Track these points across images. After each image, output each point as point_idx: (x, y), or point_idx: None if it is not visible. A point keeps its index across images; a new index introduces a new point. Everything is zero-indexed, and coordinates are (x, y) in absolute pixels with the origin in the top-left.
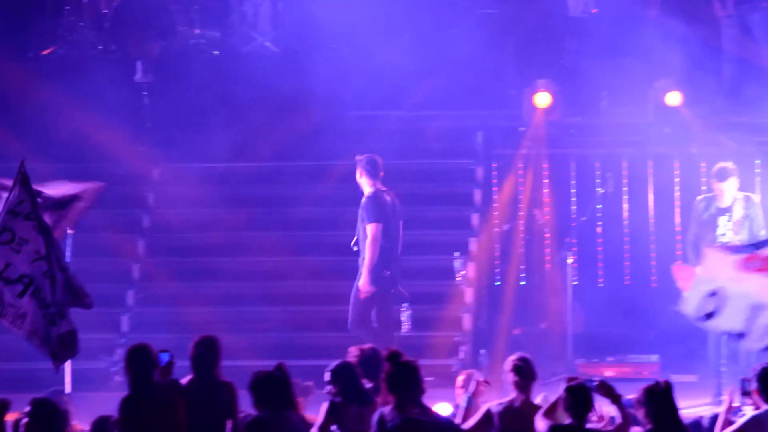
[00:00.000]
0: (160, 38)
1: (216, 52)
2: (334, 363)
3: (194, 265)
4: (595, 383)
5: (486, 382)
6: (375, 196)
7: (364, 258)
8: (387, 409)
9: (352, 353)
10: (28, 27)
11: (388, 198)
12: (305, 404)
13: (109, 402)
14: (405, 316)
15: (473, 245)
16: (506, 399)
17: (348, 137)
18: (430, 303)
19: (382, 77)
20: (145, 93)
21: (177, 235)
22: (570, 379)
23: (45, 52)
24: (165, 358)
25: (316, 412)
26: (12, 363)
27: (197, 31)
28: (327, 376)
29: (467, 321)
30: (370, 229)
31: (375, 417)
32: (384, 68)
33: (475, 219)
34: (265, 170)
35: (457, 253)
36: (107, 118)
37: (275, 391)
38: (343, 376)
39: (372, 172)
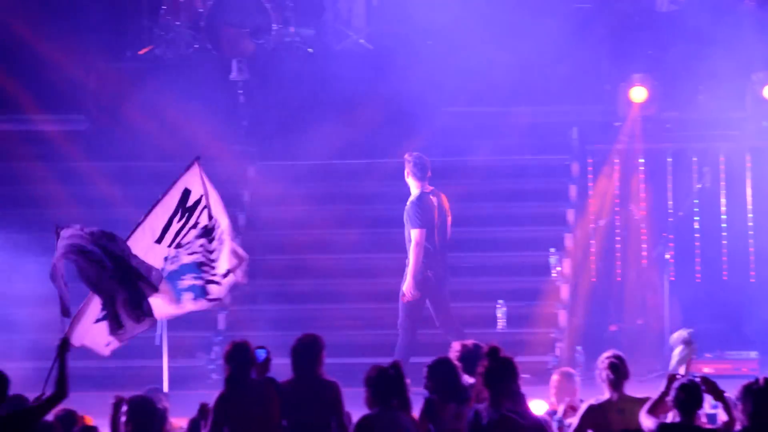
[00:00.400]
0: (255, 37)
1: (310, 50)
2: (431, 359)
3: (290, 262)
4: (697, 380)
5: (573, 407)
6: (420, 200)
7: (409, 260)
8: (482, 406)
9: (454, 349)
10: (125, 27)
11: (433, 199)
12: None
13: (206, 400)
14: (500, 312)
15: (569, 241)
16: (602, 397)
17: (442, 134)
18: (525, 300)
19: (476, 73)
20: (241, 91)
21: (272, 232)
22: (671, 377)
23: (142, 52)
24: (262, 354)
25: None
26: (110, 360)
27: (292, 29)
28: (425, 373)
29: (563, 318)
30: (414, 234)
31: (470, 414)
32: (478, 64)
33: (570, 215)
34: (359, 167)
35: (552, 250)
36: (203, 117)
37: (388, 388)
38: (441, 372)
39: (419, 174)
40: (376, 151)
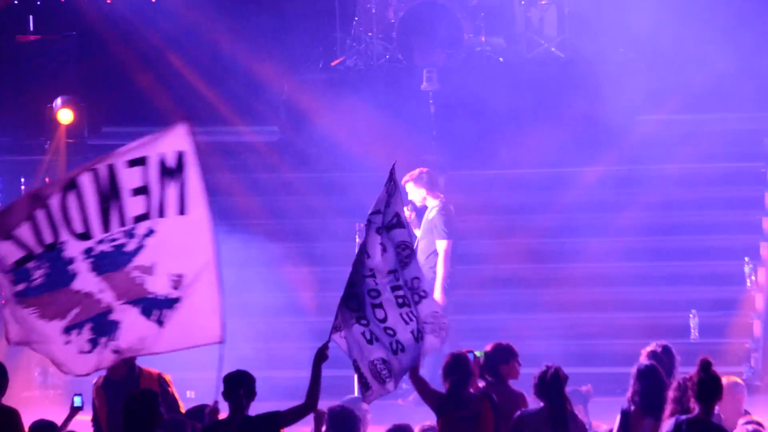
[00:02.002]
0: (446, 47)
1: (501, 59)
2: (639, 365)
3: (480, 272)
4: None
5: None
6: (446, 210)
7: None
8: (690, 417)
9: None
10: (318, 39)
11: (451, 207)
12: (584, 411)
13: (403, 411)
14: (694, 322)
15: (764, 250)
16: None
17: (635, 142)
18: (719, 309)
19: (669, 81)
20: (431, 101)
21: (462, 242)
22: None
23: (334, 63)
24: (470, 357)
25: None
26: (301, 371)
27: (482, 39)
28: (633, 375)
29: (758, 328)
30: (443, 245)
31: (674, 423)
32: (671, 72)
33: (765, 223)
34: (551, 176)
35: (747, 259)
36: (394, 127)
37: (543, 389)
38: (649, 381)
39: (434, 185)
40: (567, 160)
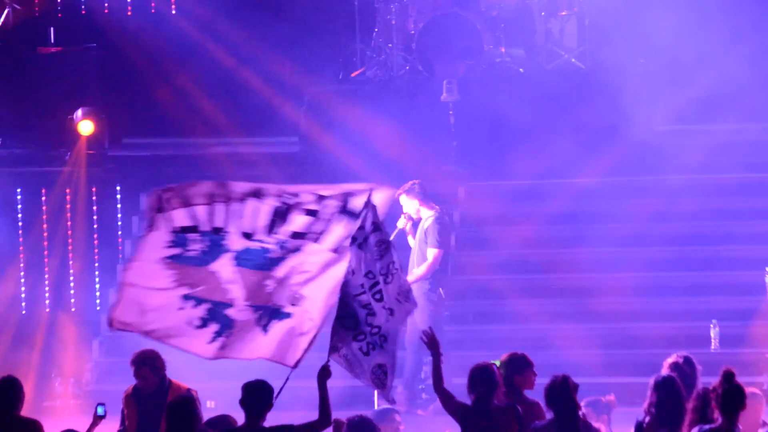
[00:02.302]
0: (466, 58)
1: (521, 70)
2: (657, 376)
3: (500, 282)
4: None
5: None
6: (442, 220)
7: (412, 274)
8: (713, 428)
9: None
10: (337, 50)
11: (447, 218)
12: (608, 421)
13: (422, 421)
14: (714, 332)
15: None
16: None
17: (655, 152)
18: (739, 319)
19: (688, 92)
20: (451, 112)
21: (482, 252)
22: None
23: (354, 74)
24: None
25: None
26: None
27: (502, 50)
28: (650, 386)
29: None
30: (432, 253)
31: None
32: (690, 83)
33: None
34: (570, 187)
35: (767, 268)
36: (414, 138)
37: (553, 399)
38: (667, 391)
39: (428, 195)
40: (587, 170)
